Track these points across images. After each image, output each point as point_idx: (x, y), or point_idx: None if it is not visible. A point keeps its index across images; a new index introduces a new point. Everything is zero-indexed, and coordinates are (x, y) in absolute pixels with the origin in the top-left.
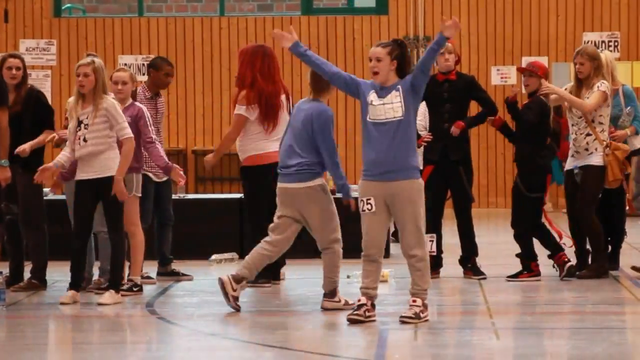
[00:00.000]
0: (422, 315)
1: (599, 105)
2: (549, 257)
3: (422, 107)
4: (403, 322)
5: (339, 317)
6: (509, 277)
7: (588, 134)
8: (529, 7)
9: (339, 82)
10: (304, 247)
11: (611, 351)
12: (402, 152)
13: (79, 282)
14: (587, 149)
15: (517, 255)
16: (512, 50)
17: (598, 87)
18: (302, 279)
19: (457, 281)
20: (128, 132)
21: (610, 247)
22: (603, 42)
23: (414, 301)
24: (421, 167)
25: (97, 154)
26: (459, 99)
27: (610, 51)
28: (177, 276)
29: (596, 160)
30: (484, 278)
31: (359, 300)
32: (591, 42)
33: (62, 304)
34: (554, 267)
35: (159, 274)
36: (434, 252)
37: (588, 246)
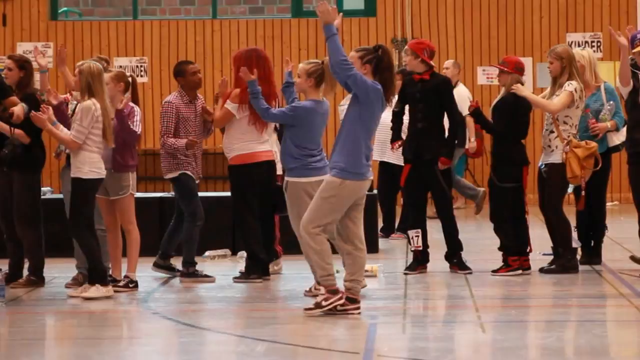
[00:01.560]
0: (324, 303)
1: (565, 106)
2: (499, 249)
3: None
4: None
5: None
6: (493, 271)
7: (552, 131)
8: (514, 8)
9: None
10: (296, 242)
11: (594, 343)
12: (337, 153)
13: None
14: (549, 146)
15: (499, 249)
16: (497, 50)
17: (565, 87)
18: (294, 274)
19: (444, 276)
20: (78, 137)
21: (592, 242)
22: (586, 42)
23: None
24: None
25: (75, 153)
26: (431, 99)
27: (593, 51)
28: (172, 271)
29: (557, 157)
30: (470, 272)
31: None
32: (574, 43)
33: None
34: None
35: (155, 264)
36: (419, 247)
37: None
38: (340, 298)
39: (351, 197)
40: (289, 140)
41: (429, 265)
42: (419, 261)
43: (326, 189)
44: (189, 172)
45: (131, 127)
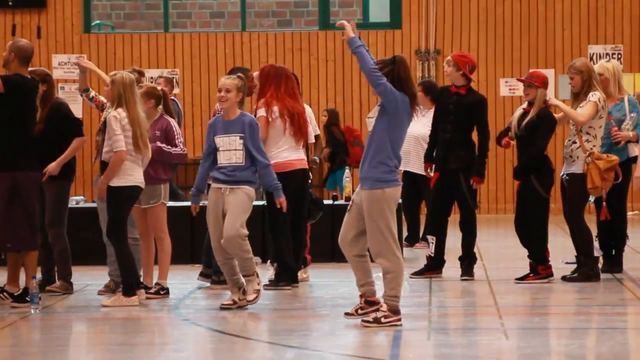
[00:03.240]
0: (383, 320)
1: (592, 117)
2: (529, 257)
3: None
4: (363, 326)
5: (355, 319)
6: (517, 279)
7: (574, 142)
8: (536, 21)
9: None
10: (322, 251)
11: (615, 350)
12: (367, 163)
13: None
14: (571, 156)
15: (529, 257)
16: (520, 62)
17: (589, 98)
18: (323, 282)
19: (468, 283)
20: (119, 145)
21: (613, 251)
22: (607, 54)
23: (381, 306)
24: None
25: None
26: (463, 114)
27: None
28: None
29: (578, 168)
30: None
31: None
32: (596, 55)
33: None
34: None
35: (201, 274)
36: (432, 253)
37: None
38: (399, 319)
39: (395, 204)
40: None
41: (453, 273)
42: (429, 267)
43: (377, 205)
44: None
45: (180, 152)
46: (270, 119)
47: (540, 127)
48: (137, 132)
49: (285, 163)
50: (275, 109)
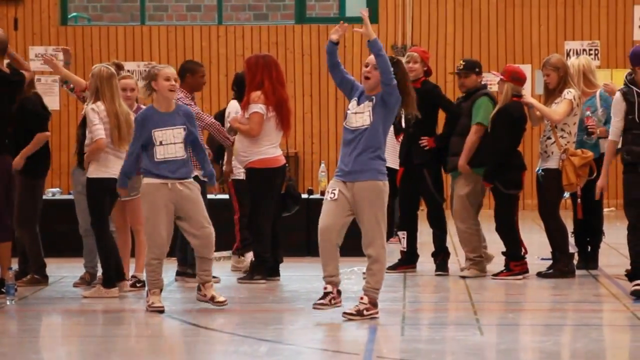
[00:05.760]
0: (365, 313)
1: (567, 114)
2: (503, 253)
3: None
4: (346, 319)
5: (330, 313)
6: (494, 275)
7: (549, 138)
8: (513, 16)
9: (337, 76)
10: (297, 244)
11: (590, 347)
12: (365, 156)
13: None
14: (546, 152)
15: (504, 254)
16: (497, 58)
17: (564, 95)
18: (295, 276)
19: (442, 279)
20: (98, 134)
21: (589, 247)
22: (584, 50)
23: (362, 298)
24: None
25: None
26: (422, 106)
27: (591, 59)
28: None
29: (553, 163)
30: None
31: (325, 289)
32: (572, 51)
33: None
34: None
35: (178, 273)
36: (404, 248)
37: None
38: (377, 312)
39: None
40: None
41: (427, 268)
42: (403, 261)
43: (378, 196)
44: (199, 175)
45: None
46: (265, 117)
47: (496, 125)
48: (114, 125)
49: (272, 159)
50: (270, 109)
